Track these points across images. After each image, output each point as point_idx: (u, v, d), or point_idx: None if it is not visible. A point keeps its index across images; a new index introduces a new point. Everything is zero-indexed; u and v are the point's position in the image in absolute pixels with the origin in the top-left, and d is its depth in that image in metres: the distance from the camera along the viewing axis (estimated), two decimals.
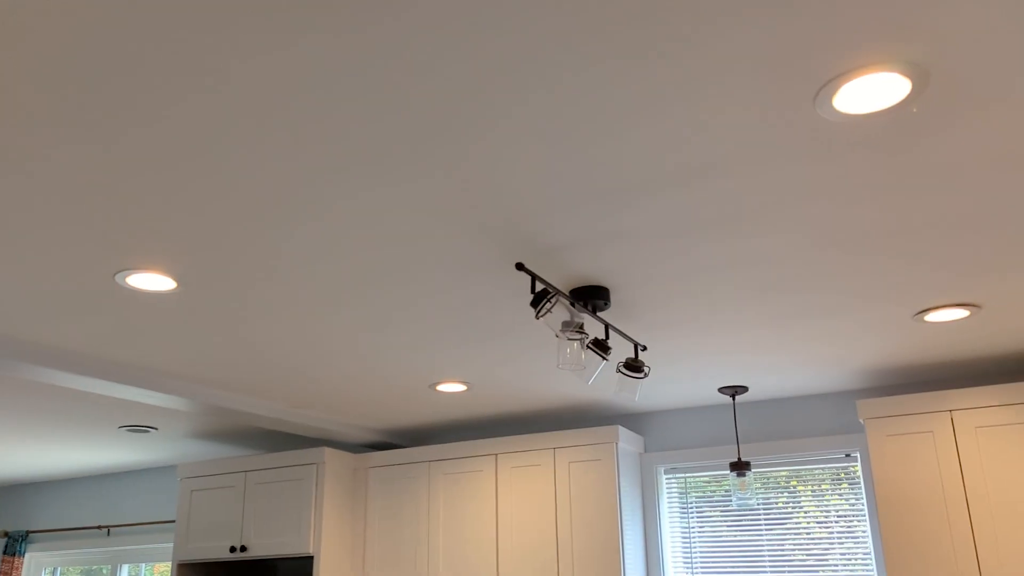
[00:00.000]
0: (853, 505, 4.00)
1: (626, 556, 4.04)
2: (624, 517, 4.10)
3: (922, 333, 3.21)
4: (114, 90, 1.59)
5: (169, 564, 5.83)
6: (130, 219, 2.12)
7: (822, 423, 4.16)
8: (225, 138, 1.76)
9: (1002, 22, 1.44)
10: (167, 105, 1.64)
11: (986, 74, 1.59)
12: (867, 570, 3.90)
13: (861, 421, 3.71)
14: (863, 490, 3.99)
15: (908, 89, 1.63)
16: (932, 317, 2.99)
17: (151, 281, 2.52)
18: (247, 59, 1.51)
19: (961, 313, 2.95)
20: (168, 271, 2.46)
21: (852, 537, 3.96)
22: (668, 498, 4.42)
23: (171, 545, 5.80)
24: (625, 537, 4.07)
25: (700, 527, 4.29)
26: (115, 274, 2.47)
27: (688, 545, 4.30)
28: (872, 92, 1.64)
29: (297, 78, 1.56)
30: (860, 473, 4.02)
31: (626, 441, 4.25)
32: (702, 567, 4.23)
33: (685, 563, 4.28)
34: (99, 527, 6.01)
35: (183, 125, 1.71)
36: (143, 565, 6.02)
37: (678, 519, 4.36)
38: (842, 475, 4.07)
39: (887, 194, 2.07)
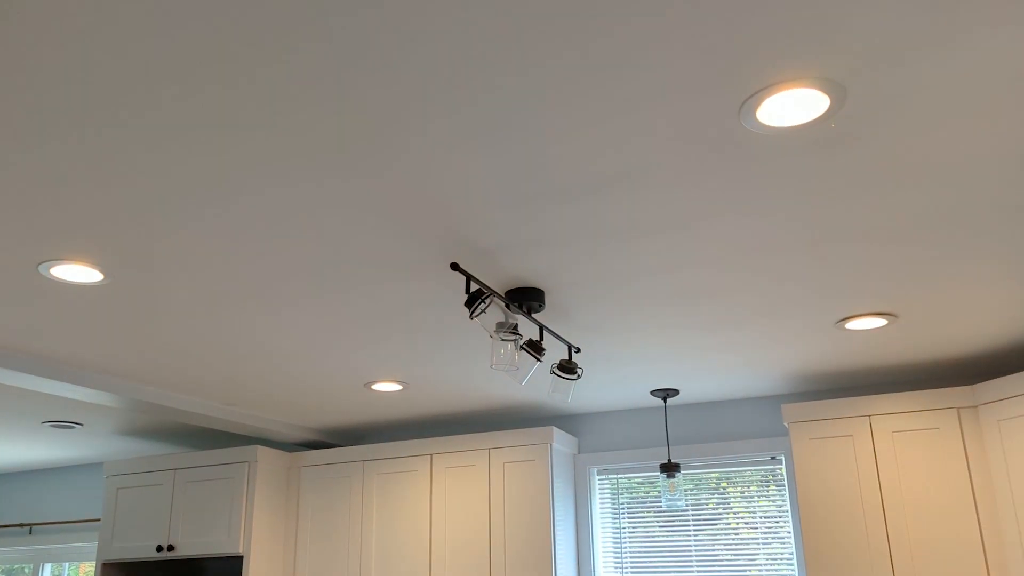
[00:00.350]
0: (780, 507, 4.12)
1: (558, 556, 4.08)
2: (557, 517, 4.15)
3: (843, 341, 3.33)
4: (35, 80, 1.56)
5: (93, 564, 5.68)
6: (54, 208, 2.08)
7: (750, 426, 4.28)
8: (152, 127, 1.74)
9: (914, 42, 1.52)
10: (89, 93, 1.62)
11: (899, 91, 1.67)
12: (790, 570, 4.02)
13: (786, 425, 3.83)
14: (787, 492, 4.11)
15: (827, 104, 1.70)
16: (852, 325, 3.10)
17: (76, 272, 2.47)
18: (194, 55, 1.50)
19: (880, 322, 3.07)
20: (94, 263, 2.42)
21: (777, 538, 4.08)
22: (600, 499, 4.49)
23: (95, 544, 5.66)
24: (557, 537, 4.12)
25: (631, 528, 4.37)
26: (38, 265, 2.41)
27: (619, 546, 4.37)
28: (793, 106, 1.71)
29: (229, 67, 1.56)
30: (785, 475, 4.14)
31: (560, 442, 4.30)
32: (632, 568, 4.31)
33: (616, 563, 4.35)
34: (21, 525, 5.83)
35: (108, 113, 1.69)
36: (67, 564, 5.86)
37: (610, 520, 4.43)
38: (769, 477, 4.19)
39: (808, 205, 2.15)
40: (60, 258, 2.37)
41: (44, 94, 1.61)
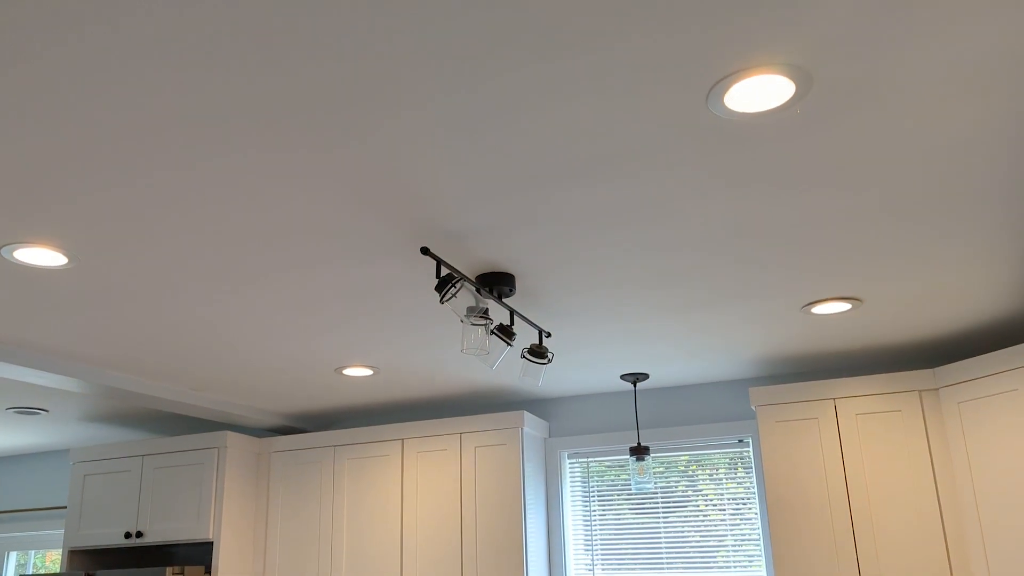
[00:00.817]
0: (747, 489, 4.18)
1: (528, 540, 4.12)
2: (528, 501, 4.18)
3: (809, 325, 3.38)
4: None
5: (60, 551, 5.62)
6: (16, 191, 2.04)
7: (718, 410, 4.33)
8: (119, 112, 1.72)
9: (877, 32, 1.54)
10: (47, 73, 1.59)
11: (863, 79, 1.70)
12: (757, 551, 4.09)
13: (753, 408, 3.89)
14: (755, 475, 4.18)
15: (792, 91, 1.72)
16: (818, 310, 3.15)
17: (40, 256, 2.44)
18: (141, 10, 1.48)
19: (844, 306, 3.12)
20: (58, 246, 2.38)
21: (745, 520, 4.14)
22: (571, 482, 4.53)
23: (62, 532, 5.60)
24: (528, 521, 4.15)
25: (602, 511, 4.41)
26: (1, 248, 2.37)
27: (589, 529, 4.41)
28: (760, 92, 1.73)
29: (202, 28, 1.54)
30: (752, 458, 4.21)
31: (531, 426, 4.32)
32: (602, 551, 4.36)
33: (586, 546, 4.39)
34: None
35: (71, 87, 1.66)
36: (32, 552, 5.79)
37: (580, 503, 4.47)
38: (737, 460, 4.25)
39: (775, 190, 2.18)
40: (23, 241, 2.34)
41: (5, 70, 1.58)
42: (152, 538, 4.46)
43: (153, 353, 3.49)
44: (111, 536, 4.55)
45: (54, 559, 5.74)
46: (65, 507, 5.54)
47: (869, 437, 3.64)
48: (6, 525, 5.78)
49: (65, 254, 2.43)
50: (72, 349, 3.39)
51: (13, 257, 2.43)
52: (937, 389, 3.59)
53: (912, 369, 4.04)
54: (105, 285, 2.70)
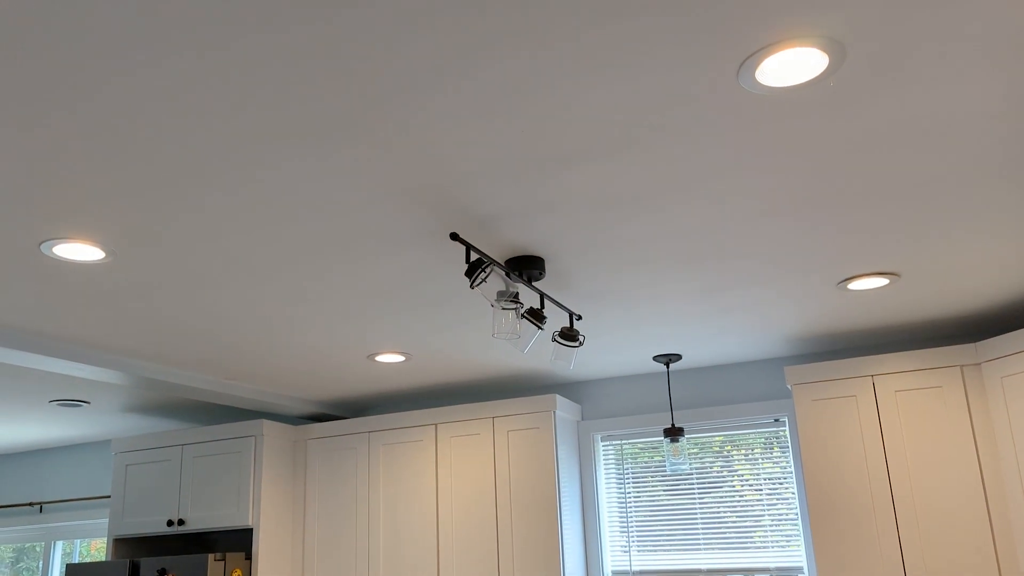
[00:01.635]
0: (784, 469, 4.15)
1: (564, 523, 4.13)
2: (562, 484, 4.19)
3: (845, 301, 3.33)
4: (37, 60, 1.54)
5: (105, 540, 5.75)
6: (56, 187, 2.07)
7: (752, 389, 4.30)
8: (153, 104, 1.73)
9: (909, 5, 1.50)
10: (91, 70, 1.60)
11: (900, 51, 1.65)
12: (795, 532, 4.06)
13: (789, 387, 3.84)
14: (791, 454, 4.14)
15: (826, 63, 1.68)
16: (854, 286, 3.10)
17: (79, 251, 2.47)
18: (184, 40, 1.48)
19: (881, 281, 3.07)
20: (96, 241, 2.41)
21: (783, 500, 4.11)
22: (605, 465, 4.52)
23: (106, 521, 5.72)
24: (563, 504, 4.16)
25: (636, 493, 4.41)
26: (40, 244, 2.41)
27: (624, 511, 4.41)
28: (792, 66, 1.69)
29: (230, 44, 1.55)
30: (788, 437, 4.17)
31: (564, 409, 4.32)
32: (638, 532, 4.35)
33: (621, 529, 4.39)
34: (31, 504, 5.89)
35: (110, 89, 1.67)
36: (78, 541, 5.92)
37: (615, 485, 4.47)
38: (773, 440, 4.21)
39: (809, 165, 2.14)
40: (63, 237, 2.37)
41: (45, 72, 1.60)
42: (193, 525, 4.53)
43: (190, 344, 3.53)
44: (154, 524, 4.64)
45: (99, 547, 5.87)
46: (109, 496, 5.66)
47: (909, 414, 3.59)
48: (52, 515, 5.91)
49: (103, 249, 2.46)
50: (112, 342, 3.44)
51: (53, 253, 2.46)
52: (979, 364, 3.53)
53: (953, 344, 3.97)
54: (143, 279, 2.74)
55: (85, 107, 1.73)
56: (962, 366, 3.56)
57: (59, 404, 4.61)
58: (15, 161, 1.94)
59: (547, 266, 2.79)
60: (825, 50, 1.64)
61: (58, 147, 1.89)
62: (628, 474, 4.45)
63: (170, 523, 4.58)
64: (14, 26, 1.47)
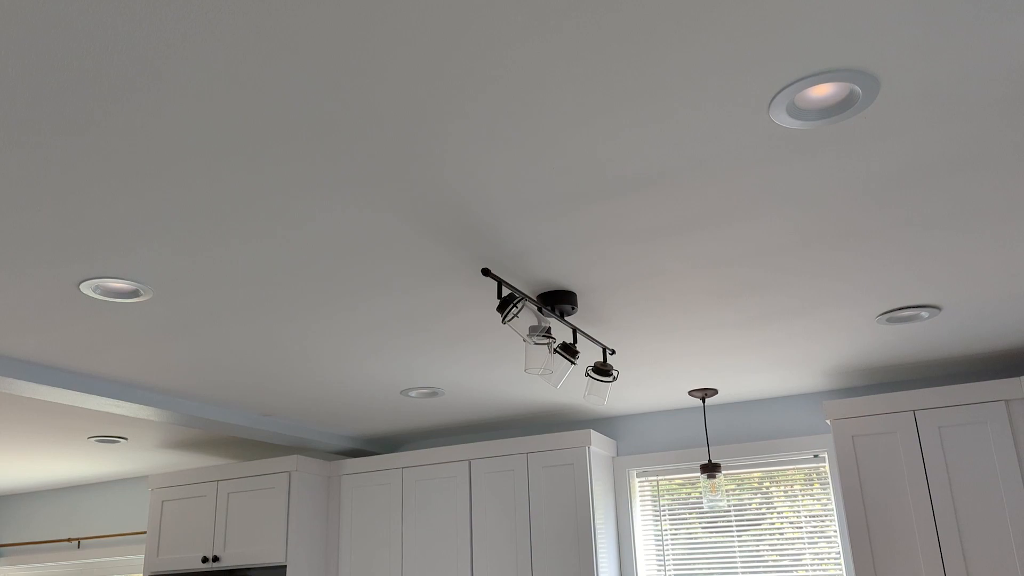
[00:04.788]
0: (824, 505, 4.05)
1: (599, 560, 4.06)
2: (597, 521, 4.12)
3: (885, 334, 3.27)
4: (80, 96, 1.59)
5: None
6: (94, 228, 2.11)
7: (790, 424, 4.22)
8: (192, 147, 1.76)
9: (948, 35, 1.49)
10: (134, 111, 1.64)
11: (934, 83, 1.63)
12: (837, 570, 3.95)
13: (827, 422, 3.77)
14: (832, 490, 4.04)
15: (859, 97, 1.67)
16: (894, 318, 3.04)
17: (118, 290, 2.51)
18: (224, 76, 1.51)
19: (922, 314, 3.01)
20: (135, 279, 2.46)
21: (824, 537, 4.01)
22: (641, 501, 4.45)
23: (142, 557, 5.75)
24: (598, 540, 4.09)
25: (673, 530, 4.33)
26: (79, 283, 2.45)
27: (661, 547, 4.33)
28: (825, 99, 1.68)
29: (265, 91, 1.57)
30: (829, 473, 4.08)
31: (598, 445, 4.27)
32: (675, 571, 4.26)
33: (659, 567, 4.31)
34: (69, 540, 5.94)
35: (150, 131, 1.71)
36: None
37: (651, 522, 4.39)
38: (813, 476, 4.12)
39: (845, 197, 2.11)
40: (101, 276, 2.41)
41: (88, 112, 1.64)
42: (228, 562, 4.53)
43: (225, 381, 3.57)
44: (189, 560, 4.65)
45: None
46: (145, 532, 5.69)
47: (953, 450, 3.49)
48: (89, 551, 5.96)
49: (141, 287, 2.50)
50: (149, 379, 3.49)
51: (92, 292, 2.51)
52: None
53: (997, 378, 3.87)
54: (181, 317, 2.77)
55: (125, 149, 1.77)
56: (1007, 400, 3.46)
57: (97, 440, 4.67)
58: (56, 201, 1.98)
59: (580, 300, 2.78)
60: (858, 84, 1.63)
61: (98, 188, 1.93)
62: (664, 511, 4.38)
63: (205, 559, 4.58)
64: (55, 66, 1.51)
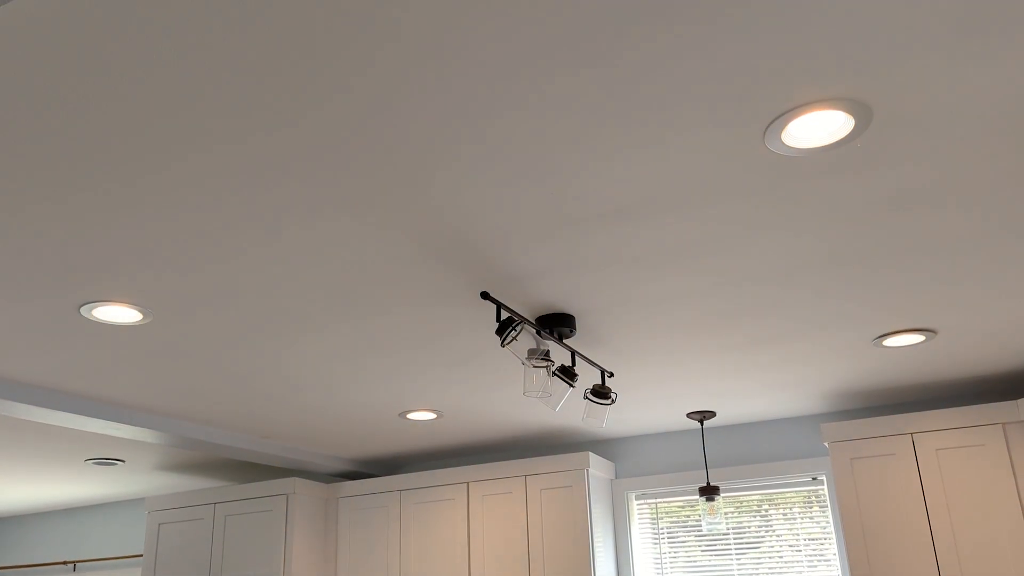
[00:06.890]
0: (824, 528, 4.04)
1: None
2: (596, 543, 4.11)
3: (882, 358, 3.28)
4: (78, 123, 1.61)
5: None
6: (95, 251, 2.13)
7: (789, 447, 4.22)
8: (187, 172, 1.78)
9: (939, 65, 1.51)
10: (134, 136, 1.66)
11: (926, 112, 1.66)
12: None
13: (825, 444, 3.77)
14: (831, 513, 4.04)
15: (852, 125, 1.69)
16: (890, 342, 3.06)
17: (117, 313, 2.52)
18: (220, 101, 1.53)
19: (918, 338, 3.02)
20: (134, 303, 2.47)
21: (823, 560, 4.00)
22: (640, 523, 4.44)
23: None
24: (597, 563, 4.08)
25: (672, 552, 4.31)
26: (80, 307, 2.47)
27: (660, 570, 4.31)
28: (819, 128, 1.71)
29: (263, 106, 1.60)
30: (828, 496, 4.07)
31: (597, 467, 4.27)
32: None
33: None
34: (65, 563, 5.90)
35: (151, 157, 1.73)
36: None
37: (650, 544, 4.38)
38: (812, 499, 4.12)
39: (840, 223, 2.13)
40: (101, 299, 2.43)
41: (87, 137, 1.66)
42: None
43: (223, 403, 3.57)
44: None
45: None
46: (141, 555, 5.66)
47: (951, 473, 3.49)
48: (86, 574, 5.92)
49: (141, 311, 2.52)
50: (147, 402, 3.49)
51: (92, 315, 2.52)
52: (1022, 421, 3.43)
53: (994, 401, 3.88)
54: (179, 340, 2.78)
55: (124, 174, 1.79)
56: (1004, 424, 3.47)
57: (95, 463, 4.66)
58: (56, 225, 2.00)
59: (578, 323, 2.79)
60: (851, 112, 1.65)
61: (97, 213, 1.94)
62: (663, 533, 4.37)
63: None
64: (57, 96, 1.53)
